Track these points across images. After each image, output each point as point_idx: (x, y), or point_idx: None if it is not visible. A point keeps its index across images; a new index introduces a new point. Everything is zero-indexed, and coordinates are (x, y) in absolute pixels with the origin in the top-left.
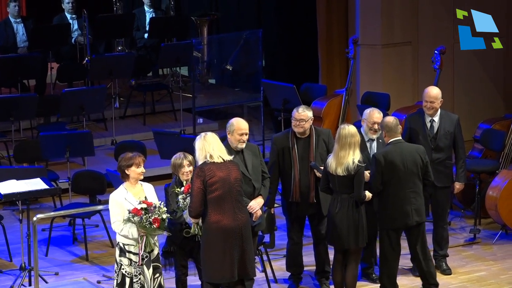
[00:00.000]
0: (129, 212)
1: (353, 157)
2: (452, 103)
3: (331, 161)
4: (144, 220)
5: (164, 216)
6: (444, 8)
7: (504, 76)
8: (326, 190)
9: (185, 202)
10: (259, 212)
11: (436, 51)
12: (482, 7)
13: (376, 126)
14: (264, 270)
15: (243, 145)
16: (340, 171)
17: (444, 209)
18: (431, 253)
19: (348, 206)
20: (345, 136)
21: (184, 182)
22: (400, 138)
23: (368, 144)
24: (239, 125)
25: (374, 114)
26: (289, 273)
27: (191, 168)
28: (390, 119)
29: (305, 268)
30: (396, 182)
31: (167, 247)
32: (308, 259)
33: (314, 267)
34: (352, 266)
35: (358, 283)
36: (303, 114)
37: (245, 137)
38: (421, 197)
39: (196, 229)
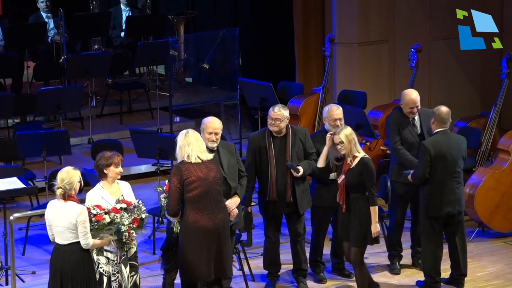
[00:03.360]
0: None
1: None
2: (429, 101)
3: None
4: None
5: (143, 215)
6: (420, 6)
7: (480, 74)
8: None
9: (165, 201)
10: (236, 211)
11: (412, 49)
12: (459, 6)
13: (338, 122)
14: (242, 269)
15: (214, 144)
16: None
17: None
18: (410, 251)
19: None
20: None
21: None
22: (447, 129)
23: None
24: (208, 124)
25: (334, 111)
26: (266, 272)
27: None
28: (445, 109)
29: (282, 266)
30: (442, 170)
31: (165, 246)
32: (285, 257)
33: (291, 265)
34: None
35: (332, 279)
36: (279, 113)
37: (214, 137)
38: (463, 186)
39: (178, 228)
